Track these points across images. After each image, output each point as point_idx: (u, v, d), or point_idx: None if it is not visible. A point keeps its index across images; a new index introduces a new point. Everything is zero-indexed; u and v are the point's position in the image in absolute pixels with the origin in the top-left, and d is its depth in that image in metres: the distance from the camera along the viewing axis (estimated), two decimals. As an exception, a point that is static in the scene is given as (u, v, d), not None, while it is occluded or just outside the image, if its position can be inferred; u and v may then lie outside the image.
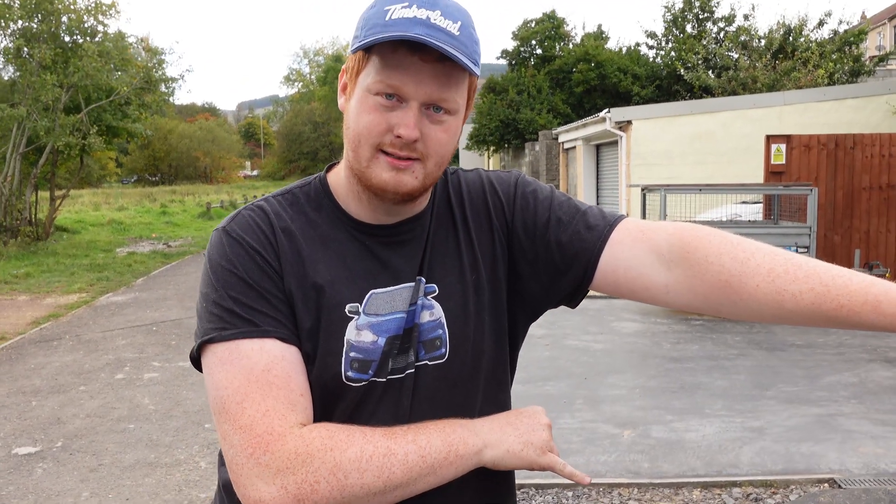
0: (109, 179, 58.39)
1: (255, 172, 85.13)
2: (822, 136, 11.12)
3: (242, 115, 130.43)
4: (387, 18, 1.07)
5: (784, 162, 10.92)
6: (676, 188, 9.67)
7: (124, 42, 18.26)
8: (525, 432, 1.15)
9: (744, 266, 1.07)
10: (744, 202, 12.28)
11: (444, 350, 1.19)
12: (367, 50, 1.10)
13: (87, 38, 16.71)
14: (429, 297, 1.19)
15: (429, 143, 1.11)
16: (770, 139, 11.09)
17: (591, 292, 1.23)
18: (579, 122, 20.80)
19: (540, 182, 1.31)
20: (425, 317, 1.18)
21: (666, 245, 1.14)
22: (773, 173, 10.94)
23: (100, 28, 17.09)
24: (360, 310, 1.15)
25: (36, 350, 7.97)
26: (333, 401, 1.14)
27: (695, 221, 9.92)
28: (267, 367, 1.06)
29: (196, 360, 1.14)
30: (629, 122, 16.56)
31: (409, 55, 1.07)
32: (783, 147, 10.95)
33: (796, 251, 8.61)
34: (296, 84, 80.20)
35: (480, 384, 1.23)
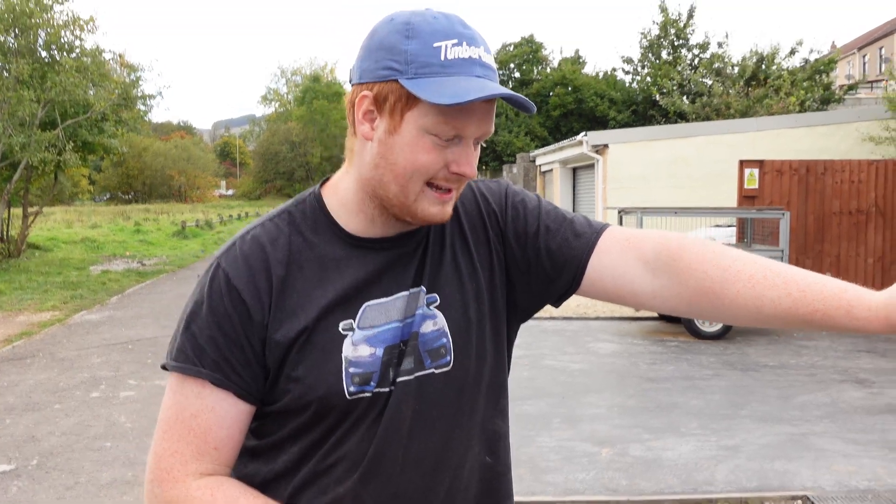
0: (81, 197, 57.59)
1: (230, 192, 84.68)
2: (794, 161, 11.32)
3: (218, 133, 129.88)
4: (443, 58, 1.08)
5: (757, 186, 11.09)
6: (652, 211, 9.80)
7: (101, 57, 18.13)
8: None
9: (725, 273, 1.13)
10: (718, 226, 12.46)
11: (448, 358, 1.22)
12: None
13: (65, 54, 16.60)
14: (431, 307, 1.22)
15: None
16: (743, 164, 11.27)
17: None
18: (556, 146, 21.00)
19: (527, 191, 1.36)
20: (428, 326, 1.21)
21: (652, 253, 1.20)
22: (746, 197, 11.11)
23: (77, 43, 16.99)
24: (355, 325, 1.18)
25: (9, 368, 7.87)
26: (340, 416, 1.17)
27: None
28: (195, 413, 1.15)
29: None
30: (606, 146, 16.75)
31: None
32: (756, 172, 11.13)
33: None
34: (273, 103, 79.90)
35: (483, 389, 1.27)
